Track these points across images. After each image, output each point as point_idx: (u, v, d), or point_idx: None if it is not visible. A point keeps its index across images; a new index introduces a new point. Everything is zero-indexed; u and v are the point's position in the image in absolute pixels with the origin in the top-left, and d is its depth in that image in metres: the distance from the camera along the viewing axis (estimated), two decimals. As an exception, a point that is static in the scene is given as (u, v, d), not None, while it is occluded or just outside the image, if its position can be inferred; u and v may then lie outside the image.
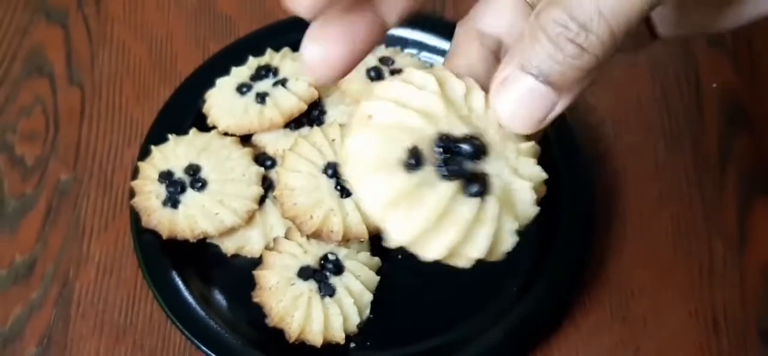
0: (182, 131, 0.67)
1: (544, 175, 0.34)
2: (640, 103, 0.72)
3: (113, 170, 0.70)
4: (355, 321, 0.59)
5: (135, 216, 0.63)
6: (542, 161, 0.40)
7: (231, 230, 0.62)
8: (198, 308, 0.59)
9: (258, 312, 0.60)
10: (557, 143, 0.64)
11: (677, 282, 0.63)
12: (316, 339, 0.58)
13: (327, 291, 0.59)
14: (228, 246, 0.63)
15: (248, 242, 0.63)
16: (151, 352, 0.61)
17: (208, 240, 0.63)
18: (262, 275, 0.60)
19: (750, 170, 0.68)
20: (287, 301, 0.59)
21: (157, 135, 0.67)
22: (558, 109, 0.33)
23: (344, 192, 0.61)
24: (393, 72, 0.69)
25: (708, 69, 0.73)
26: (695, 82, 0.73)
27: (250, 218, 0.63)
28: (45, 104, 0.74)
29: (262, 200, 0.64)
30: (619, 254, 0.64)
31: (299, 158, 0.63)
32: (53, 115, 0.73)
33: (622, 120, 0.71)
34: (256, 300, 0.60)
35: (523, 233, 0.33)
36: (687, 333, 0.60)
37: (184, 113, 0.69)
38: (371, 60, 0.70)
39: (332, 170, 0.62)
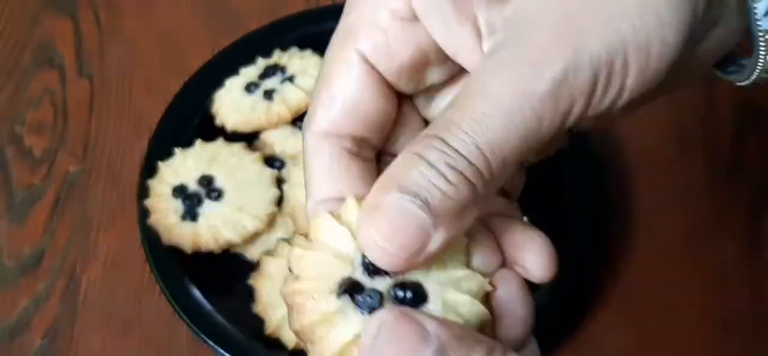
0: (191, 126, 0.67)
1: (482, 309, 0.30)
2: (651, 105, 0.71)
3: (122, 163, 0.70)
4: None
5: (142, 210, 0.62)
6: (554, 164, 0.39)
7: (254, 236, 0.62)
8: (204, 302, 0.59)
9: (265, 308, 0.59)
10: (569, 146, 0.64)
11: (688, 283, 0.62)
12: None
13: None
14: (253, 253, 0.63)
15: (274, 246, 0.63)
16: (157, 346, 0.61)
17: (232, 250, 0.62)
18: (259, 284, 0.60)
19: (761, 172, 0.67)
20: (285, 309, 0.58)
21: (165, 130, 0.67)
22: (433, 244, 0.28)
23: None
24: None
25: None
26: (707, 84, 0.72)
27: (271, 222, 0.63)
28: (54, 96, 0.74)
29: (278, 202, 0.64)
30: (631, 256, 0.64)
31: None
32: (62, 107, 0.73)
33: (633, 122, 0.70)
34: (256, 310, 0.59)
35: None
36: (698, 334, 0.60)
37: (192, 107, 0.69)
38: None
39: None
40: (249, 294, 0.60)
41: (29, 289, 0.63)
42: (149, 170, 0.64)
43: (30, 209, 0.67)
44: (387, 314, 0.27)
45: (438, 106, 0.35)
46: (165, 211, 0.62)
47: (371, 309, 0.28)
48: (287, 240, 0.62)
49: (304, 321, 0.29)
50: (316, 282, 0.29)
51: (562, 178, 0.64)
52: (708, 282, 0.62)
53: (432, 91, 0.34)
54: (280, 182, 0.64)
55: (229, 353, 0.57)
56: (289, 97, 0.67)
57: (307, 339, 0.29)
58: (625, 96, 0.30)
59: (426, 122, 0.35)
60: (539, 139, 0.29)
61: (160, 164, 0.64)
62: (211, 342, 0.57)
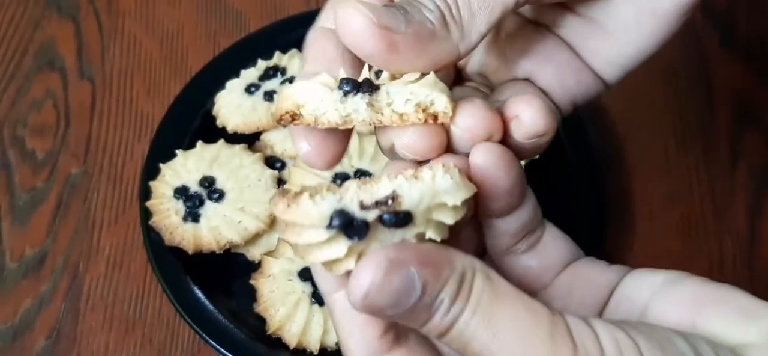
0: (192, 127, 0.68)
1: (464, 189, 0.32)
2: (651, 103, 0.72)
3: (123, 165, 0.70)
4: None
5: (144, 210, 0.63)
6: (554, 160, 0.39)
7: (256, 237, 0.62)
8: (206, 302, 0.59)
9: (266, 307, 0.60)
10: (569, 143, 0.64)
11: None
12: (314, 345, 0.58)
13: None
14: (254, 253, 0.63)
15: (275, 246, 0.63)
16: (159, 346, 0.61)
17: (233, 250, 0.63)
18: (260, 283, 0.60)
19: (760, 168, 0.67)
20: (286, 309, 0.59)
21: (166, 131, 0.67)
22: (401, 50, 0.33)
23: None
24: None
25: (719, 69, 0.73)
26: (706, 81, 0.72)
27: (272, 222, 0.63)
28: (56, 98, 0.74)
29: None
30: (630, 252, 0.64)
31: (305, 173, 0.63)
32: (64, 109, 0.73)
33: (633, 120, 0.71)
34: (257, 310, 0.60)
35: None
36: (696, 331, 0.60)
37: (193, 109, 0.69)
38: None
39: (341, 180, 0.62)
40: (250, 294, 0.60)
41: (32, 290, 0.64)
42: (151, 172, 0.65)
43: (33, 211, 0.68)
44: (378, 262, 0.29)
45: None
46: (167, 212, 0.62)
47: (359, 237, 0.30)
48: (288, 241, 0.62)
49: (298, 242, 0.31)
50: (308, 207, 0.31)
51: (562, 174, 0.64)
52: (707, 277, 0.62)
53: None
54: (280, 182, 0.65)
55: (230, 353, 0.57)
56: (290, 98, 0.67)
57: (297, 251, 0.32)
58: None
59: None
60: None
61: (162, 165, 0.65)
62: (212, 342, 0.58)
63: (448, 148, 0.35)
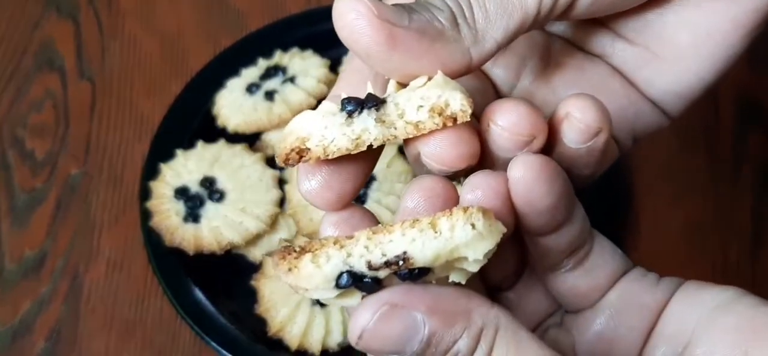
0: (192, 127, 0.67)
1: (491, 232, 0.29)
2: (653, 100, 0.71)
3: (123, 165, 0.70)
4: None
5: (145, 211, 0.62)
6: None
7: (257, 238, 0.62)
8: (207, 303, 0.59)
9: (268, 309, 0.59)
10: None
11: (691, 278, 0.62)
12: (315, 347, 0.58)
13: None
14: (255, 254, 0.63)
15: (275, 247, 0.63)
16: (160, 347, 0.61)
17: (234, 251, 0.62)
18: (261, 285, 0.60)
19: (764, 168, 0.67)
20: (287, 310, 0.59)
21: (167, 131, 0.67)
22: (402, 40, 0.30)
23: (358, 201, 0.61)
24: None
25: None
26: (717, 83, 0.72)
27: (273, 222, 0.62)
28: (55, 99, 0.74)
29: (280, 203, 0.64)
30: (634, 252, 0.64)
31: None
32: (64, 109, 0.73)
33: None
34: (258, 311, 0.59)
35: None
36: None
37: (194, 108, 0.69)
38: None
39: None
40: (251, 295, 0.60)
41: (32, 292, 0.63)
42: (151, 172, 0.64)
43: (32, 212, 0.67)
44: (376, 306, 0.28)
45: None
46: (167, 213, 0.62)
47: (371, 292, 0.29)
48: (289, 241, 0.62)
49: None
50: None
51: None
52: (710, 277, 0.62)
53: None
54: (281, 183, 0.64)
55: (231, 354, 0.57)
56: (291, 97, 0.67)
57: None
58: None
59: None
60: None
61: (162, 165, 0.64)
62: (213, 344, 0.57)
63: (486, 156, 0.32)
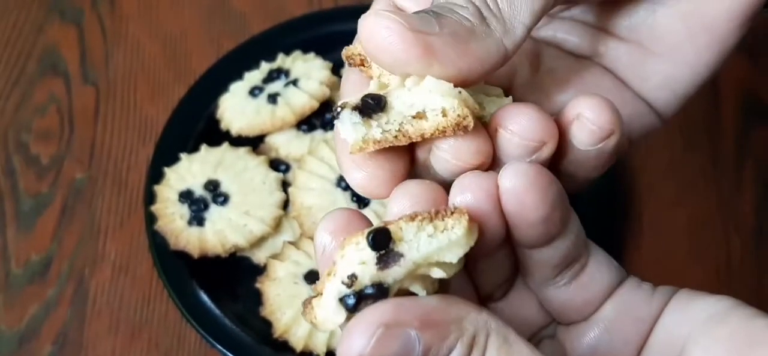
0: (196, 131, 0.68)
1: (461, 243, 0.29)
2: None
3: (128, 169, 0.70)
4: None
5: (149, 215, 0.63)
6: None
7: (261, 240, 0.62)
8: (212, 306, 0.59)
9: (272, 311, 0.59)
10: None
11: (694, 277, 0.62)
12: (321, 349, 0.58)
13: None
14: (260, 257, 0.63)
15: (280, 249, 0.63)
16: (166, 350, 0.61)
17: (238, 254, 0.63)
18: (266, 287, 0.60)
19: (767, 166, 0.67)
20: (292, 312, 0.59)
21: (170, 135, 0.67)
22: (436, 48, 0.29)
23: (362, 202, 0.61)
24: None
25: (725, 65, 0.72)
26: (712, 78, 0.72)
27: (277, 225, 0.63)
28: (60, 103, 0.74)
29: (284, 205, 0.64)
30: (637, 250, 0.64)
31: (310, 176, 0.63)
32: (68, 114, 0.73)
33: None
34: (263, 314, 0.60)
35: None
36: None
37: (197, 112, 0.69)
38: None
39: (346, 182, 0.61)
40: (256, 298, 0.60)
41: (38, 296, 0.63)
42: (155, 176, 0.65)
43: (37, 217, 0.67)
44: (371, 327, 0.27)
45: None
46: (171, 216, 0.62)
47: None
48: (293, 243, 0.62)
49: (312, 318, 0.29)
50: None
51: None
52: (713, 276, 0.62)
53: None
54: (285, 185, 0.65)
55: (237, 356, 0.57)
56: (294, 100, 0.67)
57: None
58: None
59: None
60: None
61: (166, 169, 0.65)
62: (219, 346, 0.58)
63: (494, 161, 0.31)
